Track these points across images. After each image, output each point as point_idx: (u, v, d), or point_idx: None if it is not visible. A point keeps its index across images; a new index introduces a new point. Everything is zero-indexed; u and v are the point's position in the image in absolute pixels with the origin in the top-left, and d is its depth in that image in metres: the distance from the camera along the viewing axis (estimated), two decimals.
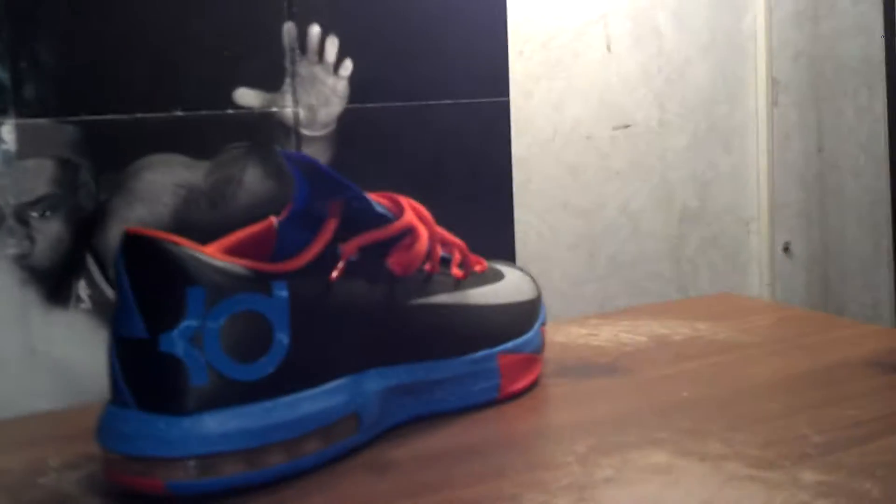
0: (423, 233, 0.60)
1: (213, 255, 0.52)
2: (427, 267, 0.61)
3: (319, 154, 0.95)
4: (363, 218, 0.57)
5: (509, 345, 0.65)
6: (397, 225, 0.58)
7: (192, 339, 0.50)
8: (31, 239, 0.86)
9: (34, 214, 0.86)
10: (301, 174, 0.59)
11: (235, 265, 0.52)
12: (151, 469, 0.50)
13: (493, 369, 0.63)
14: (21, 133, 0.85)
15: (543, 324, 0.72)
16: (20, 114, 0.85)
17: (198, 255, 0.51)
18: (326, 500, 0.51)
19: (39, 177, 0.86)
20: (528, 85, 1.06)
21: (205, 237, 0.55)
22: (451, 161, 1.02)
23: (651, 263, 1.16)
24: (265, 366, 0.52)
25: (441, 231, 0.65)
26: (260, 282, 0.52)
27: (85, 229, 0.87)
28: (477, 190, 1.04)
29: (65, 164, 0.86)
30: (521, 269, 0.75)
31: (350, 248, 0.56)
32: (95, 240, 0.87)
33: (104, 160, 0.87)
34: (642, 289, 1.17)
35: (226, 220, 0.84)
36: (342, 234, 0.57)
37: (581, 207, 1.12)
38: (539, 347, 0.69)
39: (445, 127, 1.02)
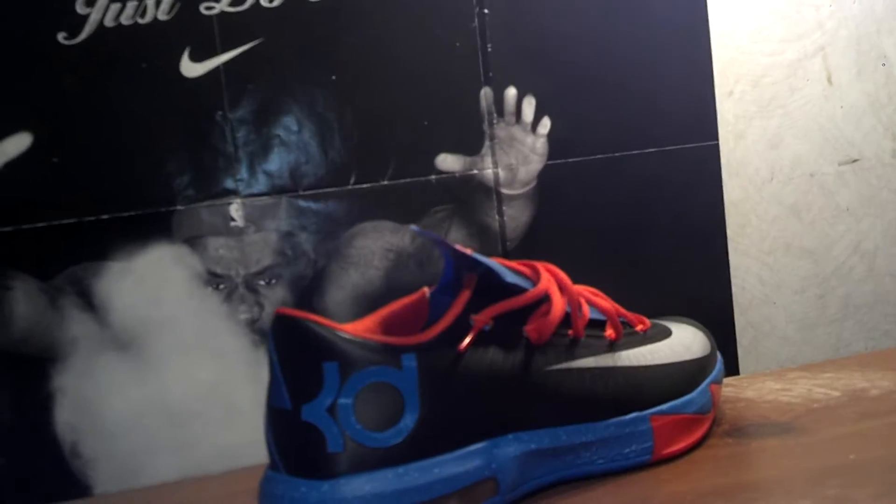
0: (559, 299, 0.61)
1: (347, 331, 0.56)
2: (570, 332, 0.62)
3: (520, 211, 0.98)
4: (497, 288, 0.60)
5: (664, 407, 0.64)
6: (531, 293, 0.60)
7: (328, 410, 0.55)
8: (260, 305, 0.95)
9: (261, 283, 0.95)
10: (445, 250, 0.62)
11: (367, 340, 0.56)
12: None
13: (646, 432, 0.63)
14: (248, 210, 0.94)
15: (718, 382, 0.71)
16: (247, 193, 0.94)
17: (333, 332, 0.56)
18: None
19: (264, 249, 0.95)
20: (740, 126, 1.04)
21: None
22: (656, 209, 1.01)
23: (890, 305, 1.09)
24: (397, 434, 0.55)
25: (589, 294, 0.66)
26: (390, 354, 0.56)
27: (306, 294, 0.95)
28: (687, 238, 1.02)
29: (286, 237, 0.95)
30: (696, 326, 0.74)
31: (483, 317, 0.59)
32: (315, 303, 0.95)
33: (320, 230, 0.95)
34: (883, 332, 1.09)
35: (433, 279, 0.89)
36: (478, 305, 0.60)
37: (807, 248, 1.07)
38: (705, 407, 0.67)
39: (649, 175, 1.01)
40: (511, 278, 0.61)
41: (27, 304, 0.91)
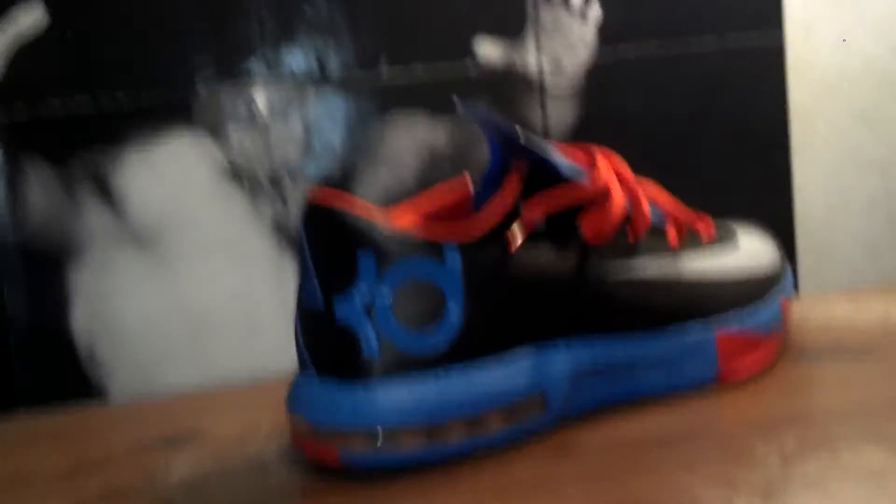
0: (619, 194, 0.54)
1: (385, 219, 0.50)
2: (629, 232, 0.56)
3: (566, 110, 0.91)
4: (550, 177, 0.53)
5: (731, 321, 0.58)
6: (589, 187, 0.54)
7: (364, 306, 0.49)
8: (284, 201, 0.89)
9: (286, 178, 0.89)
10: (491, 132, 0.56)
11: (406, 232, 0.50)
12: (328, 439, 0.50)
13: (709, 348, 0.57)
14: (271, 97, 0.88)
15: (788, 297, 0.65)
16: (270, 80, 0.88)
17: (369, 222, 0.49)
18: (502, 479, 0.48)
19: (289, 141, 0.88)
20: (809, 18, 0.95)
21: None
22: (714, 112, 0.93)
23: None
24: (438, 335, 0.49)
25: (651, 190, 0.59)
26: (433, 249, 0.50)
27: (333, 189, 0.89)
28: (747, 144, 0.95)
29: (312, 128, 0.89)
30: (763, 235, 0.67)
31: (534, 214, 0.52)
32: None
33: (348, 122, 0.89)
34: None
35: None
36: (528, 196, 0.53)
37: (878, 162, 0.99)
38: (774, 325, 0.61)
39: (706, 73, 0.93)
40: (566, 169, 0.54)
41: (42, 192, 0.86)
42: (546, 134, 0.91)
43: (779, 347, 0.62)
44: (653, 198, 0.58)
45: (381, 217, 0.50)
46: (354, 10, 0.88)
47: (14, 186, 0.85)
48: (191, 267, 0.89)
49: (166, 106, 0.88)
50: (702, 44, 0.92)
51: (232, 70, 0.87)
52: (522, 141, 0.52)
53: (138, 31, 0.86)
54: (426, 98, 0.88)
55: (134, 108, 0.87)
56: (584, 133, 0.91)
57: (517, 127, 0.53)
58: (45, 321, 0.87)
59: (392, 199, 0.89)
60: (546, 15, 0.90)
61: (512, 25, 0.89)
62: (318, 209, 0.50)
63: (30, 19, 0.84)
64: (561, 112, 0.91)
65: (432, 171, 0.90)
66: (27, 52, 0.85)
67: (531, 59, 0.90)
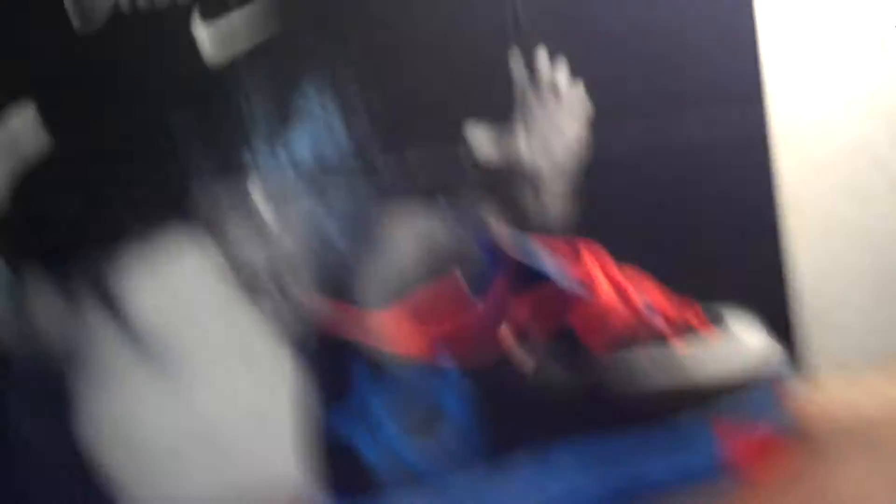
0: (605, 289, 0.55)
1: (380, 331, 0.51)
2: (618, 325, 0.57)
3: (558, 200, 0.91)
4: (536, 276, 0.54)
5: (726, 408, 0.59)
6: (572, 284, 0.54)
7: (358, 416, 0.49)
8: (285, 293, 0.89)
9: (285, 269, 0.90)
10: (479, 238, 0.57)
11: (406, 350, 0.51)
12: None
13: (708, 438, 0.57)
14: (267, 188, 0.89)
15: (781, 379, 0.65)
16: (266, 173, 0.89)
17: (364, 334, 0.50)
18: None
19: (287, 233, 0.89)
20: (789, 94, 0.96)
21: None
22: (704, 198, 0.94)
23: None
24: (439, 448, 0.50)
25: (639, 282, 0.60)
26: (426, 359, 0.50)
27: (332, 281, 0.89)
28: (738, 226, 0.95)
29: (309, 218, 0.90)
30: (751, 319, 0.68)
31: (522, 317, 0.53)
32: (343, 290, 0.89)
33: (346, 211, 0.90)
34: None
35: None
36: (517, 293, 0.54)
37: (869, 237, 0.99)
38: (771, 410, 0.62)
39: (694, 160, 0.94)
40: (552, 271, 0.54)
41: (45, 302, 0.86)
42: (536, 221, 0.91)
43: (778, 432, 0.62)
44: (641, 289, 0.59)
45: (377, 324, 0.51)
46: (346, 99, 0.89)
47: (18, 297, 0.86)
48: (194, 372, 0.89)
49: (160, 197, 0.88)
50: (686, 124, 0.93)
51: (227, 164, 0.88)
52: (509, 250, 0.53)
53: (133, 127, 0.88)
54: (421, 184, 0.89)
55: (129, 205, 0.88)
56: (574, 220, 0.91)
57: (505, 229, 0.54)
58: (54, 435, 0.87)
59: (389, 287, 0.89)
60: (533, 100, 0.91)
61: (500, 111, 0.90)
62: (315, 326, 0.51)
63: (22, 117, 0.86)
64: (552, 199, 0.92)
65: (429, 258, 0.91)
66: (13, 143, 0.86)
67: (521, 145, 0.91)
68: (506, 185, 0.91)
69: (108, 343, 0.87)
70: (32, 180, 0.87)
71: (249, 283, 0.89)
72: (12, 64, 0.86)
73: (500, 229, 0.52)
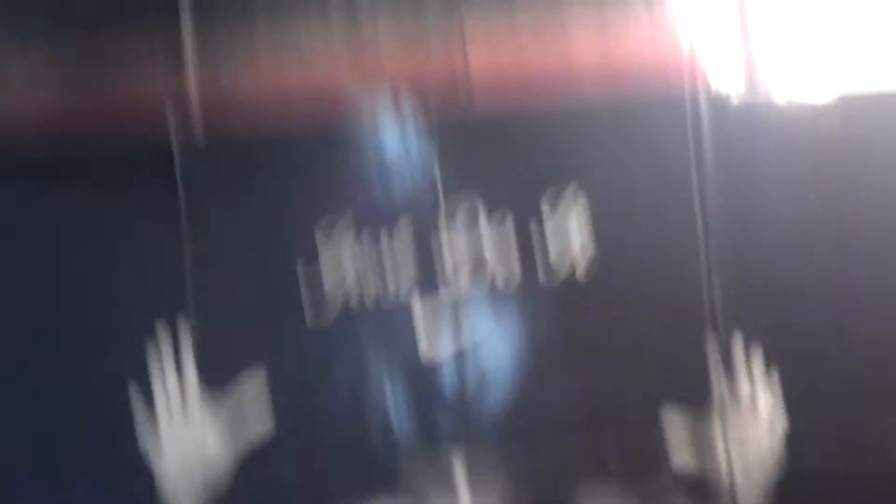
0: None
1: None
2: None
3: None
4: None
5: None
6: None
7: None
8: None
9: None
10: None
11: None
12: None
13: None
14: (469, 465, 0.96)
15: None
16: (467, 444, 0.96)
17: None
18: None
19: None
20: None
21: None
22: None
23: None
24: None
25: None
26: None
27: None
28: None
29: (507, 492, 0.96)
30: None
31: None
32: None
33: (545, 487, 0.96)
34: None
35: None
36: None
37: None
38: None
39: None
40: None
41: None
42: None
43: None
44: None
45: None
46: (548, 384, 0.96)
47: None
48: None
49: (372, 475, 0.96)
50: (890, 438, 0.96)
51: (432, 440, 0.96)
52: None
53: (346, 408, 0.97)
54: (620, 491, 0.94)
55: (340, 475, 0.96)
56: None
57: None
58: None
59: None
60: (734, 415, 0.95)
61: (697, 395, 0.95)
62: None
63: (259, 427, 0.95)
64: None
65: None
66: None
67: (718, 443, 0.95)
68: (701, 495, 0.95)
69: None
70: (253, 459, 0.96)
71: None
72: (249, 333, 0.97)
73: None
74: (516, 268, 0.97)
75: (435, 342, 0.96)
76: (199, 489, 0.95)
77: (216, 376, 0.96)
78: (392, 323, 0.96)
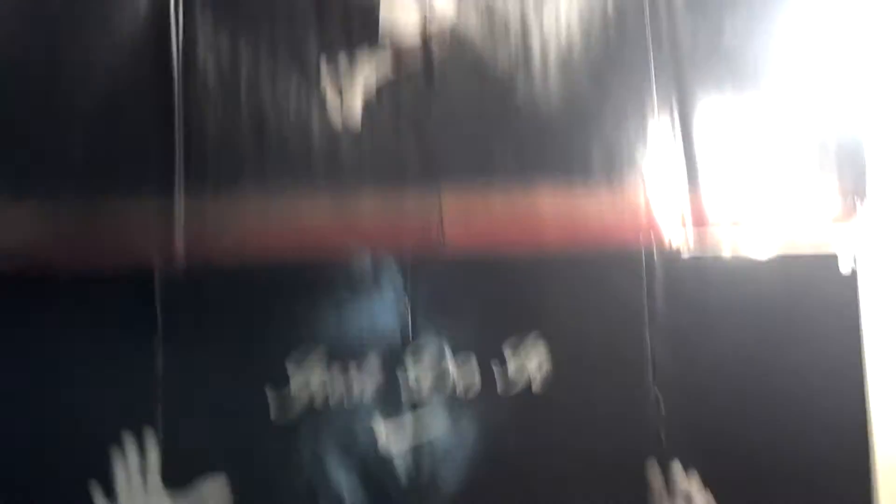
0: None
1: None
2: None
3: None
4: None
5: None
6: None
7: None
8: None
9: None
10: None
11: None
12: None
13: None
14: None
15: None
16: None
17: None
18: None
19: None
20: None
21: None
22: None
23: None
24: None
25: None
26: None
27: None
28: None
29: None
30: None
31: None
32: None
33: None
34: None
35: None
36: None
37: None
38: None
39: None
40: None
41: None
42: None
43: None
44: None
45: None
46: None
47: None
48: None
49: None
50: None
51: None
52: None
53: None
54: None
55: None
56: None
57: None
58: None
59: None
60: None
61: None
62: None
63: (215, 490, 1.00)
64: None
65: None
66: None
67: None
68: None
69: None
70: None
71: None
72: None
73: None
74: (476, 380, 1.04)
75: (393, 438, 1.02)
76: None
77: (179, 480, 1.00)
78: (353, 420, 1.04)
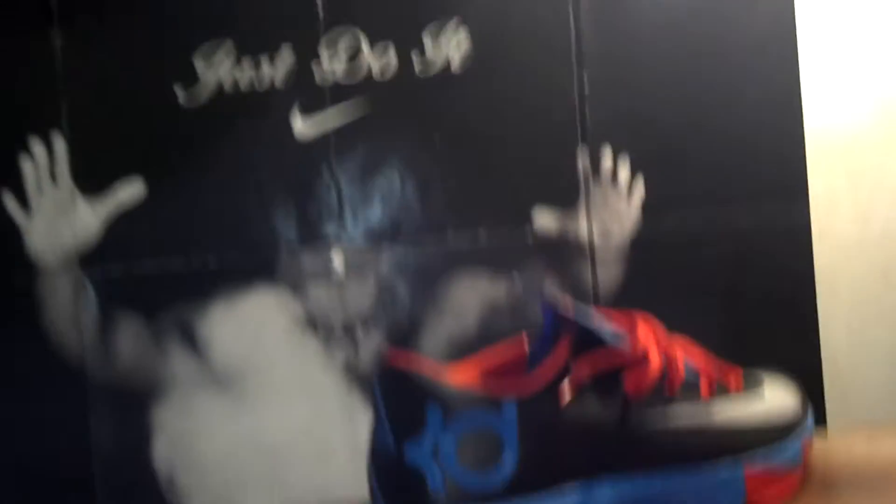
0: (657, 356, 0.63)
1: (450, 377, 0.59)
2: (665, 388, 0.64)
3: (614, 275, 1.00)
4: (595, 341, 0.62)
5: (757, 458, 0.65)
6: (630, 351, 0.62)
7: (430, 451, 0.57)
8: (356, 349, 0.98)
9: (358, 328, 0.98)
10: (545, 304, 0.65)
11: (469, 388, 0.59)
12: None
13: (738, 484, 0.64)
14: (348, 257, 0.98)
15: (809, 437, 0.72)
16: (347, 242, 0.98)
17: (436, 380, 0.58)
18: None
19: (363, 296, 0.98)
20: (830, 193, 1.04)
21: None
22: (748, 268, 1.02)
23: None
24: (496, 476, 0.58)
25: (686, 348, 0.68)
26: (491, 402, 0.58)
27: (401, 341, 0.99)
28: (776, 304, 1.03)
29: (384, 284, 0.99)
30: (785, 382, 0.75)
31: (580, 374, 0.61)
32: (410, 349, 0.99)
33: (417, 279, 0.99)
34: None
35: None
36: (577, 356, 0.62)
37: None
38: (797, 461, 0.68)
39: (742, 234, 1.02)
40: (610, 337, 0.62)
41: (132, 341, 0.96)
42: (595, 294, 1.00)
43: (801, 481, 0.69)
44: (687, 354, 0.67)
45: (447, 374, 0.59)
46: (425, 182, 0.99)
47: (105, 334, 0.96)
48: (267, 405, 0.98)
49: (251, 266, 0.98)
50: (734, 214, 1.02)
51: (312, 234, 0.98)
52: (572, 315, 0.61)
53: (228, 201, 0.98)
54: (488, 259, 0.99)
55: (222, 268, 0.98)
56: (629, 292, 1.00)
57: (568, 298, 0.62)
58: (128, 453, 0.97)
59: (456, 348, 0.98)
60: (596, 190, 1.00)
61: (566, 198, 1.00)
62: (392, 370, 0.59)
63: (130, 192, 0.96)
64: (609, 275, 1.00)
65: (493, 323, 0.99)
66: (125, 219, 0.97)
67: (583, 228, 1.00)
68: (566, 259, 1.00)
69: (186, 377, 0.97)
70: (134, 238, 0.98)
71: (325, 335, 0.98)
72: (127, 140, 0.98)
73: (564, 299, 0.61)
74: (393, 61, 1.00)
75: (308, 123, 0.98)
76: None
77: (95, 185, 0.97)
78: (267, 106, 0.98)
